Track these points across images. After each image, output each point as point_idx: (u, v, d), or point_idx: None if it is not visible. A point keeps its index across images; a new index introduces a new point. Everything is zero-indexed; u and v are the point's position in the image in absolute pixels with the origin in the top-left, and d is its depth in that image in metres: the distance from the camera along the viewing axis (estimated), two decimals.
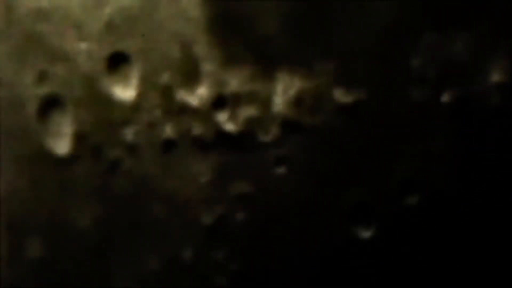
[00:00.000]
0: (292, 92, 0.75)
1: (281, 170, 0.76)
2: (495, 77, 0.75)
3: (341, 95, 0.75)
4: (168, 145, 0.75)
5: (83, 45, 0.75)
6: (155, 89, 0.75)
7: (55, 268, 0.76)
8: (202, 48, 0.75)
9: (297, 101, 0.75)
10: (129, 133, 0.75)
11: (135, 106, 0.75)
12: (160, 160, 0.75)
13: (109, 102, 0.75)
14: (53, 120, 0.75)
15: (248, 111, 0.75)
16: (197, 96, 0.75)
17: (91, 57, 0.75)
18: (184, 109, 0.75)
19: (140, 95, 0.75)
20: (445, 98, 0.75)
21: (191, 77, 0.75)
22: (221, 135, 0.75)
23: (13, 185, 0.76)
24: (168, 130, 0.75)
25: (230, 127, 0.75)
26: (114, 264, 0.76)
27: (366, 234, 0.75)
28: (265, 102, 0.75)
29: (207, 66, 0.75)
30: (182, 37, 0.74)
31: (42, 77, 0.75)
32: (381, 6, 0.74)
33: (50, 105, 0.75)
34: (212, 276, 0.76)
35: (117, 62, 0.75)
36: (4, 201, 0.76)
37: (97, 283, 0.76)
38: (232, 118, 0.75)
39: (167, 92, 0.75)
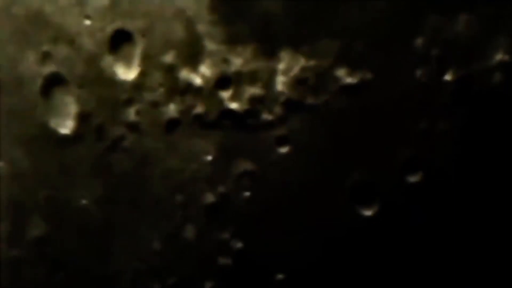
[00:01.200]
0: (295, 71, 0.75)
1: (284, 149, 0.76)
2: (498, 56, 0.75)
3: (344, 75, 0.75)
4: (171, 124, 0.75)
5: (86, 25, 0.74)
6: (158, 68, 0.75)
7: (55, 246, 0.76)
8: (205, 27, 0.74)
9: (300, 80, 0.75)
10: (132, 112, 0.75)
11: (138, 85, 0.75)
12: (163, 139, 0.75)
13: (112, 81, 0.75)
14: (56, 99, 0.75)
15: (251, 90, 0.75)
16: (201, 75, 0.75)
17: (94, 37, 0.75)
18: (187, 88, 0.75)
19: (143, 74, 0.75)
20: (448, 77, 0.75)
21: (194, 56, 0.75)
22: (224, 114, 0.75)
23: (16, 163, 0.76)
24: (171, 109, 0.75)
25: (233, 105, 0.75)
26: (115, 242, 0.76)
27: (368, 212, 0.75)
28: (268, 81, 0.75)
29: (210, 45, 0.75)
30: (185, 16, 0.74)
31: (45, 56, 0.75)
32: None
33: (53, 84, 0.75)
34: (215, 255, 0.76)
35: (120, 41, 0.75)
36: (6, 180, 0.76)
37: (98, 261, 0.76)
38: (236, 97, 0.75)
39: (170, 71, 0.75)
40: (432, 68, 0.75)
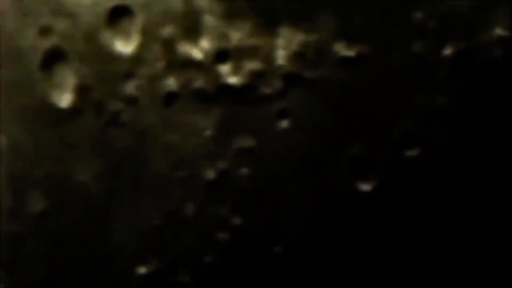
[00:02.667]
0: (294, 45, 0.75)
1: (283, 123, 0.76)
2: (498, 30, 0.75)
3: (342, 49, 0.75)
4: (170, 98, 0.75)
5: None
6: (157, 42, 0.75)
7: (56, 222, 0.76)
8: (204, 1, 0.75)
9: (299, 55, 0.75)
10: (130, 86, 0.75)
11: (137, 59, 0.75)
12: (162, 114, 0.75)
13: (111, 55, 0.75)
14: (55, 73, 0.75)
15: (250, 65, 0.75)
16: (200, 49, 0.75)
17: (93, 11, 0.75)
18: (186, 62, 0.75)
19: (142, 48, 0.75)
20: (447, 51, 0.75)
21: (193, 30, 0.75)
22: (224, 88, 0.75)
23: (15, 138, 0.76)
24: (170, 83, 0.75)
25: (232, 80, 0.75)
26: (115, 218, 0.76)
27: (366, 187, 0.75)
28: (267, 56, 0.75)
29: (209, 20, 0.75)
30: None
31: (44, 30, 0.75)
32: None
33: (52, 58, 0.75)
34: (214, 231, 0.76)
35: (119, 15, 0.75)
36: (6, 154, 0.76)
37: (98, 237, 0.76)
38: (235, 71, 0.75)
39: (169, 45, 0.75)
40: (430, 42, 0.75)
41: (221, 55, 0.75)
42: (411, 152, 0.75)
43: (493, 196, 0.75)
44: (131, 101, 0.75)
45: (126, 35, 0.75)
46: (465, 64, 0.75)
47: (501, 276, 0.76)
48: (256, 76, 0.75)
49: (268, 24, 0.75)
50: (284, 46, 0.75)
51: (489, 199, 0.75)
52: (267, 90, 0.75)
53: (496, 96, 0.76)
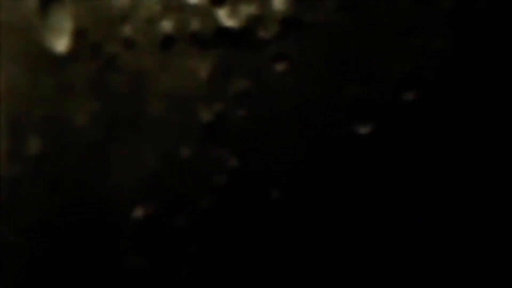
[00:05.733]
0: None
1: (280, 67, 0.75)
2: None
3: None
4: (167, 41, 0.75)
5: None
6: None
7: (53, 165, 0.76)
8: None
9: None
10: (127, 28, 0.75)
11: (134, 2, 0.75)
12: (159, 57, 0.75)
13: None
14: (53, 16, 0.75)
15: (248, 8, 0.75)
16: None
17: None
18: (183, 5, 0.75)
19: None
20: None
21: None
22: (221, 32, 0.75)
23: (13, 82, 0.76)
24: (167, 26, 0.75)
25: (230, 23, 0.75)
26: (112, 161, 0.76)
27: (364, 129, 0.75)
28: None
29: None
30: None
31: None
32: None
33: (50, 0, 0.75)
34: (211, 174, 0.76)
35: None
36: (4, 98, 0.76)
37: (95, 179, 0.76)
38: (232, 14, 0.75)
39: None
40: None
41: None
42: (409, 94, 0.75)
43: (493, 138, 0.75)
44: (128, 44, 0.75)
45: None
46: (464, 7, 0.74)
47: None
48: (253, 20, 0.75)
49: None
50: None
51: (489, 141, 0.75)
52: (264, 34, 0.75)
53: (496, 39, 0.75)
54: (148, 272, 0.76)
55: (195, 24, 0.75)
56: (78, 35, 0.75)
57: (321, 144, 0.75)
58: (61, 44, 0.75)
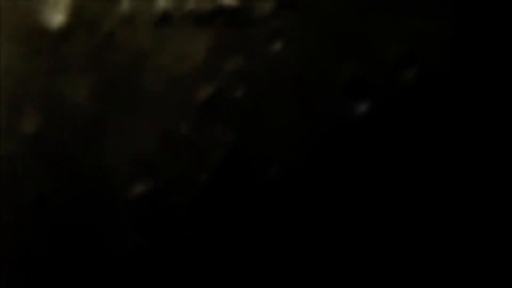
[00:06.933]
0: None
1: (277, 45, 0.76)
2: None
3: None
4: (164, 18, 0.75)
5: None
6: None
7: (50, 142, 0.76)
8: None
9: None
10: (124, 5, 0.75)
11: None
12: (156, 33, 0.75)
13: None
14: None
15: None
16: None
17: None
18: None
19: None
20: None
21: None
22: (218, 9, 0.75)
23: (9, 59, 0.76)
24: (164, 3, 0.75)
25: (227, 1, 0.75)
26: (109, 138, 0.76)
27: (362, 108, 0.75)
28: None
29: None
30: None
31: None
32: None
33: None
34: (208, 151, 0.76)
35: None
36: (1, 75, 0.76)
37: (93, 157, 0.76)
38: None
39: None
40: None
41: None
42: (407, 73, 0.75)
43: (490, 112, 0.76)
44: (125, 21, 0.75)
45: None
46: None
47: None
48: None
49: None
50: None
51: (487, 114, 0.76)
52: (261, 11, 0.75)
53: (495, 17, 0.76)
54: (146, 250, 0.76)
55: (192, 2, 0.75)
56: (75, 10, 0.75)
57: (318, 122, 0.76)
58: (57, 20, 0.75)
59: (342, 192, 0.76)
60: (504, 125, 0.76)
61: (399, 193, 0.76)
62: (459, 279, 0.76)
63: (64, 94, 0.76)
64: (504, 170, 0.75)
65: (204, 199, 0.76)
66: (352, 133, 0.76)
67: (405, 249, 0.76)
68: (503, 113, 0.76)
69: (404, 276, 0.76)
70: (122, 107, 0.76)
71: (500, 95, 0.76)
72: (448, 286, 0.76)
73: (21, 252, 0.76)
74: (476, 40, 0.75)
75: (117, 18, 0.75)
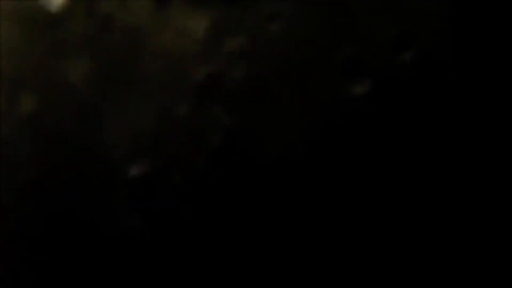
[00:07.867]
0: None
1: (275, 26, 0.75)
2: None
3: None
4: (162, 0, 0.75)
5: None
6: None
7: (48, 123, 0.76)
8: None
9: None
10: None
11: None
12: (154, 15, 0.75)
13: None
14: None
15: None
16: None
17: None
18: None
19: None
20: None
21: None
22: None
23: (7, 40, 0.76)
24: None
25: None
26: (107, 119, 0.76)
27: (360, 89, 0.75)
28: None
29: None
30: None
31: None
32: None
33: None
34: (206, 132, 0.76)
35: None
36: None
37: (90, 138, 0.76)
38: None
39: None
40: None
41: None
42: (406, 54, 0.75)
43: (489, 93, 0.75)
44: (123, 1, 0.75)
45: None
46: None
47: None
48: None
49: None
50: None
51: (486, 96, 0.75)
52: None
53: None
54: (142, 231, 0.75)
55: None
56: None
57: (316, 103, 0.75)
58: (56, 2, 0.75)
59: (340, 174, 0.75)
60: (502, 106, 0.75)
61: (397, 174, 0.75)
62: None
63: (62, 75, 0.76)
64: (502, 151, 0.75)
65: (201, 181, 0.76)
66: (351, 115, 0.75)
67: (404, 225, 0.75)
68: (500, 94, 0.75)
69: (401, 265, 0.75)
70: (120, 88, 0.76)
71: (498, 77, 0.75)
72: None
73: (18, 233, 0.76)
74: (474, 21, 0.75)
75: (115, 0, 0.75)
